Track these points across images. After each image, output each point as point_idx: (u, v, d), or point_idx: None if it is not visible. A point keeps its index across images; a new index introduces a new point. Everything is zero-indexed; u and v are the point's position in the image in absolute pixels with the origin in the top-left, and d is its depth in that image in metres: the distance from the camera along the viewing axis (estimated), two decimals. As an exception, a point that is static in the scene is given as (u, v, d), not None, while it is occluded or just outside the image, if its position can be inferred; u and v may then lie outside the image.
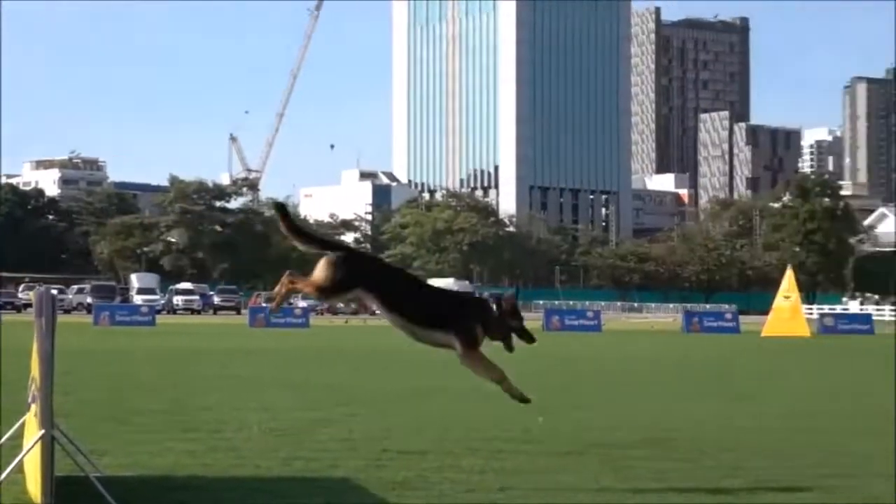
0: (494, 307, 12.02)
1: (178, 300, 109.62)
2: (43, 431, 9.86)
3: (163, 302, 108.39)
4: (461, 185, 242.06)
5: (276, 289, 12.11)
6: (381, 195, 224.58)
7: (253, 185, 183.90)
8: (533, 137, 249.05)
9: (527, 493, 11.68)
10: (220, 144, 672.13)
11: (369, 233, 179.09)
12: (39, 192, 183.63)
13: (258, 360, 35.28)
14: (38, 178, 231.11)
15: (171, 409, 18.89)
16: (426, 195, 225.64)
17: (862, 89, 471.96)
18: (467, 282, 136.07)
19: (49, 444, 9.85)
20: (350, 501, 11.36)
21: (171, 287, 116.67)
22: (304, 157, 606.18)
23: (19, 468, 10.50)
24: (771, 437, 16.34)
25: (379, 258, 12.73)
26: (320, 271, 11.69)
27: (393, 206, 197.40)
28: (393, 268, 12.83)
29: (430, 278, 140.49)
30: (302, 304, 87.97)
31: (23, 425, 11.37)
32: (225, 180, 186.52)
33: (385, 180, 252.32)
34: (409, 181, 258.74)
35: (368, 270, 12.01)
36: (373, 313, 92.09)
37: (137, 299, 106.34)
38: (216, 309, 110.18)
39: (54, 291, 10.95)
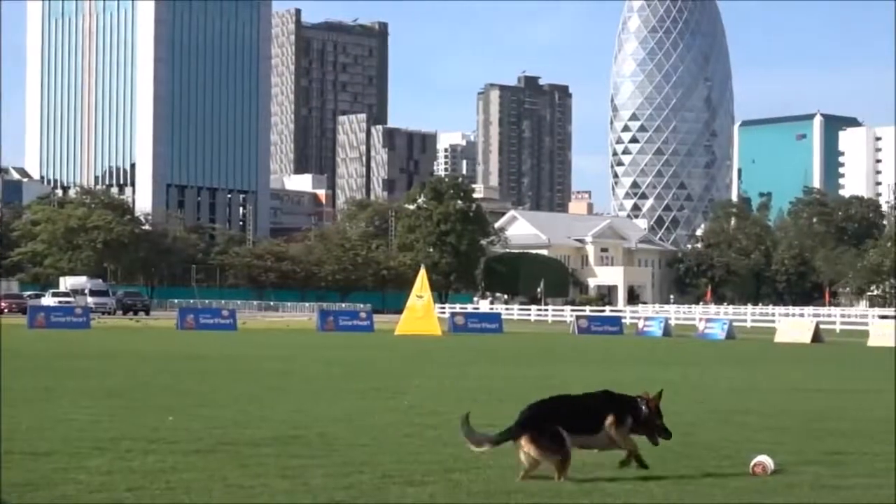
0: (644, 408, 12.99)
1: None
2: None
3: None
4: (96, 183, 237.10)
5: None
6: (12, 191, 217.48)
7: None
8: (171, 136, 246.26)
9: (155, 493, 11.54)
10: None
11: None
12: None
13: None
14: None
15: None
16: (59, 192, 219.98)
17: (495, 96, 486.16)
18: (101, 280, 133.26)
19: None
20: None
21: None
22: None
23: None
24: (399, 432, 16.62)
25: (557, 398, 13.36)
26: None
27: (24, 202, 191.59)
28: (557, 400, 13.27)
29: (63, 276, 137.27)
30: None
31: None
32: None
33: (16, 176, 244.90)
34: (42, 177, 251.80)
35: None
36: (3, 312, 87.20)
37: None
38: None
39: None
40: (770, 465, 13.10)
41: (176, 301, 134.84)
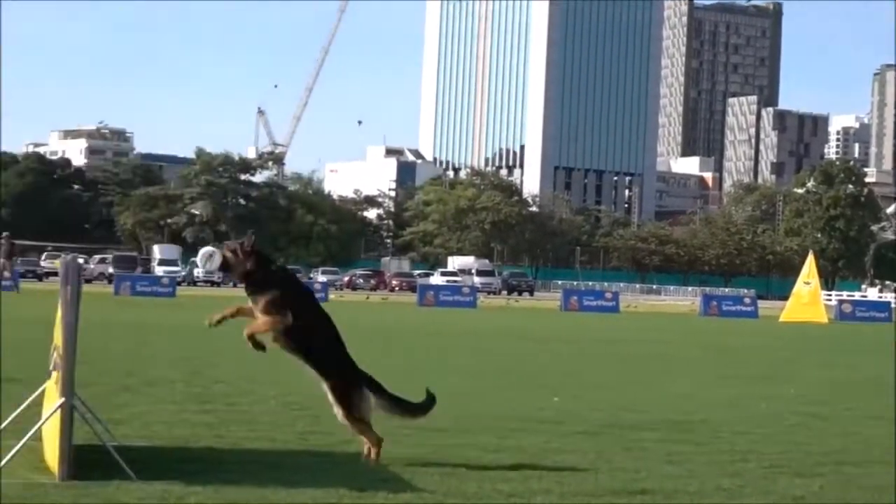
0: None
1: (198, 272, 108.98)
2: (63, 399, 9.94)
3: (184, 273, 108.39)
4: (486, 164, 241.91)
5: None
6: (406, 172, 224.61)
7: (278, 160, 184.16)
8: (560, 118, 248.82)
9: (542, 473, 11.62)
10: (247, 118, 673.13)
11: (392, 209, 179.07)
12: (66, 162, 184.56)
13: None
14: (66, 147, 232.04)
15: (187, 379, 18.93)
16: (451, 173, 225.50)
17: (891, 76, 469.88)
18: (487, 260, 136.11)
19: (69, 413, 9.93)
20: (366, 477, 11.32)
21: (192, 259, 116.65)
22: (331, 132, 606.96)
23: (38, 435, 10.57)
24: (785, 422, 16.33)
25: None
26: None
27: (417, 183, 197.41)
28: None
29: (451, 256, 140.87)
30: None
31: (42, 393, 11.42)
32: (251, 154, 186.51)
33: (411, 157, 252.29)
34: (435, 159, 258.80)
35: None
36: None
37: (159, 270, 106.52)
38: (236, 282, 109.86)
39: (80, 260, 10.97)
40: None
41: (559, 282, 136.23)
